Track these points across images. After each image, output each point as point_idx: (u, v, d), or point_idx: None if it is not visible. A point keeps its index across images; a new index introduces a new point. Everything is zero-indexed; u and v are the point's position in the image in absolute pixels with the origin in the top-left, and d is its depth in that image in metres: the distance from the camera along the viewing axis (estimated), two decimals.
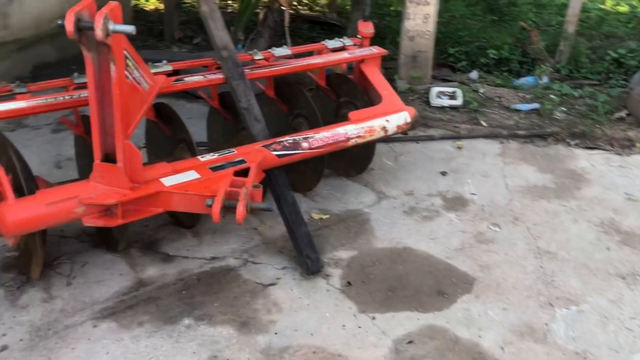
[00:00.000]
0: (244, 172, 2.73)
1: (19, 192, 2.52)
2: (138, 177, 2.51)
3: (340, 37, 3.93)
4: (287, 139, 3.04)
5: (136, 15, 7.57)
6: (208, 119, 3.70)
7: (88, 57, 2.20)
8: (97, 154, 2.41)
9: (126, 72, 2.40)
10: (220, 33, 3.19)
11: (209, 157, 2.80)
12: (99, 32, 2.02)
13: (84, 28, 2.05)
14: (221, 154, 2.83)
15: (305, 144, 3.06)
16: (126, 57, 2.38)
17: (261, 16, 6.24)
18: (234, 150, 2.88)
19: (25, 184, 2.51)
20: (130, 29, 2.04)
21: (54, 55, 6.23)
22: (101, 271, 2.97)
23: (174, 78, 3.08)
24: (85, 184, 2.47)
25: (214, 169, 2.71)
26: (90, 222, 2.45)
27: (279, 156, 2.97)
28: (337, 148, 3.22)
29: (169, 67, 3.21)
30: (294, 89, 3.60)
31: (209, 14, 3.20)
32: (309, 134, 3.11)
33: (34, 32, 5.85)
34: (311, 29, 7.22)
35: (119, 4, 2.18)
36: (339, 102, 3.89)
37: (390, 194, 3.83)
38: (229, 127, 3.57)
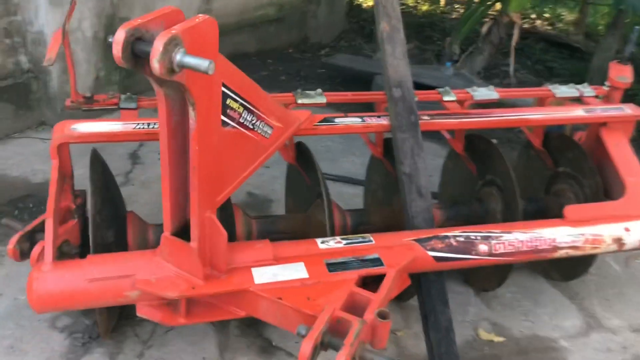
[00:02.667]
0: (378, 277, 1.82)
1: (84, 240, 1.94)
2: (220, 263, 1.74)
3: (579, 76, 2.74)
4: (458, 234, 2.04)
5: (350, 11, 6.95)
6: (369, 167, 2.83)
7: (159, 93, 1.47)
8: (167, 223, 1.70)
9: (225, 118, 1.63)
10: (396, 62, 2.27)
11: (332, 243, 1.93)
12: (155, 65, 1.25)
13: (140, 54, 1.31)
14: (350, 242, 1.95)
15: (483, 247, 2.03)
16: (228, 96, 1.61)
17: (484, 29, 5.14)
18: (371, 238, 1.97)
19: (95, 228, 1.91)
20: (205, 65, 1.24)
21: (252, 46, 5.88)
22: (184, 345, 2.30)
23: (319, 117, 2.26)
24: (152, 256, 1.78)
25: (332, 266, 1.84)
26: (144, 313, 1.76)
27: (438, 259, 1.99)
28: (536, 259, 2.13)
29: (321, 99, 2.40)
30: (489, 147, 2.55)
31: (387, 34, 2.30)
32: (494, 231, 2.07)
33: (236, 20, 5.52)
34: (545, 50, 5.90)
35: (211, 19, 1.40)
36: (555, 171, 2.74)
37: (608, 323, 2.59)
38: (394, 182, 2.65)
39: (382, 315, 1.64)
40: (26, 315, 2.35)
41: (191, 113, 1.47)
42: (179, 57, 1.27)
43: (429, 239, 2.00)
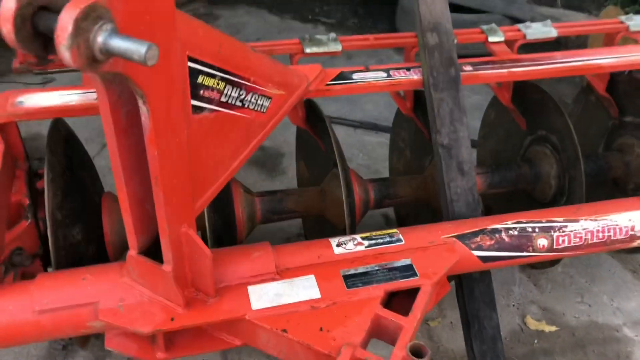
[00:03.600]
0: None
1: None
2: (206, 285, 1.35)
3: None
4: (510, 226, 1.60)
5: None
6: (396, 119, 2.36)
7: (94, 79, 1.01)
8: (132, 240, 1.29)
9: (197, 102, 1.18)
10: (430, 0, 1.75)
11: (351, 245, 1.52)
12: (64, 53, 0.80)
13: (48, 32, 0.85)
14: (374, 243, 1.53)
15: (542, 242, 1.60)
16: (198, 73, 1.15)
17: None
18: (400, 237, 1.55)
19: (54, 228, 1.53)
20: (140, 52, 0.78)
21: None
22: None
23: (332, 73, 1.77)
24: (118, 275, 1.38)
25: (351, 280, 1.43)
26: (115, 346, 1.39)
27: (486, 259, 1.57)
28: (608, 250, 1.70)
29: (335, 46, 1.91)
30: (543, 97, 2.05)
31: None
32: (557, 220, 1.63)
33: None
34: None
35: None
36: (618, 121, 2.25)
37: None
38: (422, 140, 2.20)
39: (417, 353, 1.25)
40: None
41: (142, 108, 1.02)
42: (101, 39, 0.81)
43: (475, 234, 1.57)
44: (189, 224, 1.27)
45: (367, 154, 2.98)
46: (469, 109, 1.81)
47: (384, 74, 1.81)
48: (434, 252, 1.52)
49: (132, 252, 1.31)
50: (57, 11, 0.83)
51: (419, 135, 2.20)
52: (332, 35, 1.93)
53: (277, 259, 1.46)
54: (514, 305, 2.16)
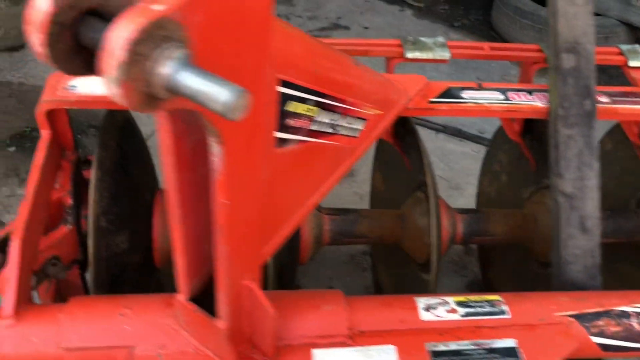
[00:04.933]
0: None
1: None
2: (265, 343, 1.10)
3: None
4: None
5: None
6: (496, 135, 2.03)
7: (160, 116, 0.75)
8: (183, 285, 1.05)
9: (283, 134, 0.91)
10: (573, 11, 1.41)
11: (441, 311, 1.23)
12: (111, 88, 0.54)
13: (92, 46, 0.59)
14: (472, 311, 1.24)
15: None
16: (289, 98, 0.88)
17: None
18: (504, 309, 1.25)
19: (96, 238, 1.32)
20: (226, 100, 0.51)
21: None
22: None
23: (437, 88, 1.47)
24: (163, 315, 1.15)
25: (439, 358, 1.16)
26: None
27: (607, 348, 1.26)
28: None
29: (443, 53, 1.60)
30: None
31: None
32: None
33: None
34: None
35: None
36: None
37: None
38: (525, 169, 1.88)
39: None
40: None
41: (214, 147, 0.76)
42: (167, 71, 0.55)
43: (597, 316, 1.25)
44: (253, 276, 1.02)
45: (448, 165, 2.66)
46: None
47: (501, 96, 1.49)
48: (545, 333, 1.22)
49: (181, 298, 1.07)
50: (108, 18, 0.58)
51: (522, 163, 1.88)
52: (440, 39, 1.62)
53: (350, 317, 1.19)
54: None
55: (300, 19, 3.89)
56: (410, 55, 1.58)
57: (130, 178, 1.53)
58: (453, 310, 1.24)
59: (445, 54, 1.60)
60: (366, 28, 3.83)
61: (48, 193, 1.37)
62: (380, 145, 1.98)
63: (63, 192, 1.39)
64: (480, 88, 1.51)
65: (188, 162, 0.86)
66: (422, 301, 1.25)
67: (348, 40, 1.63)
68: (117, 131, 1.51)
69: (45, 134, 1.37)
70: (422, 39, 1.62)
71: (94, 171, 1.37)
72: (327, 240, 1.71)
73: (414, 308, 1.24)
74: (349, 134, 1.16)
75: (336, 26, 3.84)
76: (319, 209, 1.71)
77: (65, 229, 1.34)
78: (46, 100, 1.33)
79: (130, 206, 1.49)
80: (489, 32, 3.91)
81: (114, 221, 1.42)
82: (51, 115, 1.36)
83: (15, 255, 1.16)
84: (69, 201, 1.38)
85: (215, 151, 0.77)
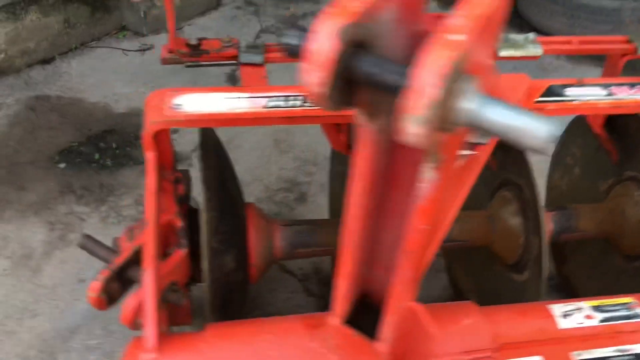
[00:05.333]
0: None
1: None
2: None
3: None
4: None
5: None
6: (569, 129, 2.00)
7: (365, 131, 0.72)
8: (339, 307, 1.02)
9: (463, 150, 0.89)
10: None
11: (579, 317, 1.21)
12: (411, 127, 0.50)
13: (364, 80, 0.56)
14: (609, 316, 1.22)
15: None
16: None
17: None
18: (638, 310, 1.23)
19: (212, 260, 1.29)
20: (545, 129, 0.48)
21: None
22: None
23: (540, 86, 1.44)
24: (306, 338, 1.12)
25: None
26: None
27: None
28: None
29: (535, 50, 1.57)
30: None
31: None
32: None
33: None
34: None
35: None
36: None
37: None
38: (604, 162, 1.86)
39: None
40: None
41: (428, 174, 0.73)
42: (468, 105, 0.52)
43: None
44: (413, 297, 1.00)
45: None
46: None
47: (604, 91, 1.47)
48: None
49: (336, 321, 1.04)
50: (373, 51, 0.54)
51: (600, 155, 1.86)
52: (531, 35, 1.60)
53: (493, 330, 1.17)
54: None
55: None
56: (504, 53, 1.56)
57: (229, 195, 1.50)
58: (590, 317, 1.22)
59: (538, 51, 1.58)
60: None
61: (157, 216, 1.33)
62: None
63: (170, 215, 1.36)
64: (581, 84, 1.48)
65: (373, 183, 0.83)
66: (557, 309, 1.23)
67: None
68: (213, 150, 1.48)
69: (150, 155, 1.33)
70: (512, 35, 1.59)
71: (204, 191, 1.33)
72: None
73: (548, 316, 1.22)
74: (484, 142, 1.14)
75: None
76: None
77: (181, 252, 1.30)
78: (154, 122, 1.29)
79: (232, 224, 1.46)
80: (517, 19, 3.85)
81: (222, 240, 1.39)
82: (157, 135, 1.32)
83: (150, 286, 1.13)
84: (179, 223, 1.34)
85: (428, 177, 0.74)
